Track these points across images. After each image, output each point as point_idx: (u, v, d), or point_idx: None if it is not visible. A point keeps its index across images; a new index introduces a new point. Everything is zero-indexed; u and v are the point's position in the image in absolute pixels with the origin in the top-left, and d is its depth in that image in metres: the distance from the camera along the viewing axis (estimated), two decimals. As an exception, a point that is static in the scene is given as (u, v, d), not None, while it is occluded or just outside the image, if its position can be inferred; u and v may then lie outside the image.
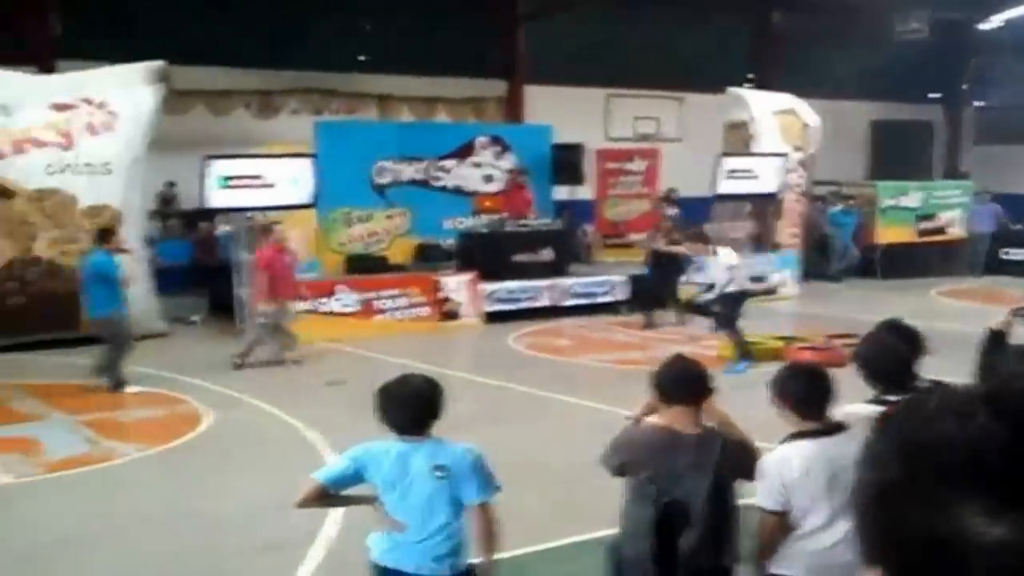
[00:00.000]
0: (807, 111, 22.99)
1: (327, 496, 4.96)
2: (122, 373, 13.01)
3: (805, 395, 4.71)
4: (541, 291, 18.38)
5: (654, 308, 17.25)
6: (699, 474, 4.79)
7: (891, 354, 5.02)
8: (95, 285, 12.90)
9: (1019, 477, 0.96)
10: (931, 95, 33.85)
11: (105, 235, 13.33)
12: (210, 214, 17.89)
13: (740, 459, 4.86)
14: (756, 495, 4.73)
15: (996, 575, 0.95)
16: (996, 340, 6.01)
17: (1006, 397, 1.04)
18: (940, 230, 25.00)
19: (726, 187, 20.40)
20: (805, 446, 4.60)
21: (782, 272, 21.36)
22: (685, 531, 4.80)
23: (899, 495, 1.02)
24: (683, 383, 4.97)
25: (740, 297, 14.23)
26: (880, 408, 4.64)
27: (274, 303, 14.24)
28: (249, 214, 16.30)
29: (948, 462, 1.00)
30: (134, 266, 13.13)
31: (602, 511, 5.28)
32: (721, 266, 14.07)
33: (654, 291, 17.51)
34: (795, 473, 4.57)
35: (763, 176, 20.91)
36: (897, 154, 32.00)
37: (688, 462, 4.80)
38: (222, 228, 18.06)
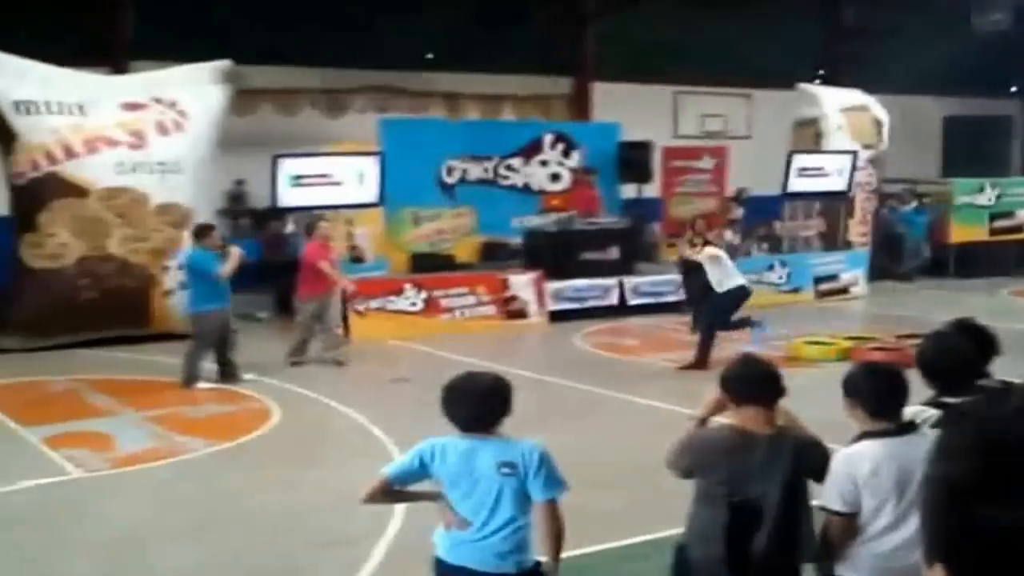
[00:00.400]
0: (878, 108, 22.74)
1: (392, 491, 4.99)
2: (197, 369, 13.19)
3: (876, 394, 4.63)
4: (607, 290, 18.33)
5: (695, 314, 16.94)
6: (771, 475, 4.73)
7: (952, 354, 4.93)
8: (194, 281, 13.15)
9: None
10: (1010, 89, 33.14)
11: (201, 232, 13.57)
12: (280, 212, 18.03)
13: (811, 459, 4.80)
14: (823, 496, 4.67)
15: None
16: None
17: None
18: (1016, 228, 24.63)
19: (796, 185, 20.27)
20: (874, 446, 4.53)
21: (852, 271, 21.16)
22: (756, 532, 4.74)
23: (973, 489, 1.03)
24: (755, 383, 4.92)
25: (736, 295, 14.11)
26: (933, 411, 4.61)
27: (316, 299, 14.32)
28: (315, 212, 16.46)
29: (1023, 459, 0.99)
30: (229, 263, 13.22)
31: (668, 511, 5.27)
32: (705, 261, 14.22)
33: (688, 298, 17.31)
34: (864, 474, 4.51)
35: (833, 174, 20.75)
36: (972, 150, 31.26)
37: (761, 463, 4.75)
38: (290, 227, 18.22)
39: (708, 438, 5.04)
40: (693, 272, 16.37)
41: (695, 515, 4.94)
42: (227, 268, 13.03)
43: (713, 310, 14.14)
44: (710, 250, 14.41)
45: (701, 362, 13.62)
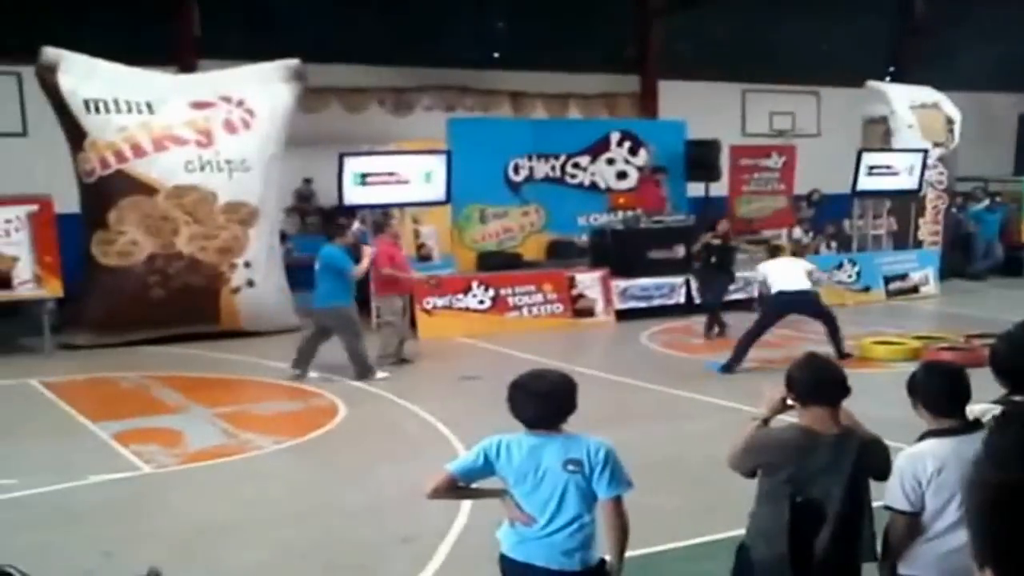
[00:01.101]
0: (949, 105, 22.41)
1: (457, 488, 4.93)
2: (368, 359, 13.36)
3: (940, 393, 4.60)
4: (674, 288, 18.16)
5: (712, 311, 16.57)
6: (835, 474, 4.69)
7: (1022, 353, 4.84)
8: (327, 277, 13.21)
9: None
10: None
11: (335, 231, 13.73)
12: (349, 210, 18.04)
13: (875, 458, 4.77)
14: (886, 495, 4.61)
15: None
16: None
17: None
18: (1091, 227, 24.12)
19: (865, 184, 20.03)
20: (938, 445, 4.47)
21: (923, 270, 20.84)
22: (819, 532, 4.69)
23: (1021, 494, 1.01)
24: (822, 383, 4.85)
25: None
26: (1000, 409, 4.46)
27: (395, 296, 14.29)
28: (383, 211, 16.47)
29: None
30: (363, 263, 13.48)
31: (736, 511, 5.15)
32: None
33: (702, 293, 16.99)
34: (928, 472, 4.44)
35: (903, 172, 20.48)
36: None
37: (826, 462, 4.70)
38: (357, 225, 18.23)
39: (774, 437, 4.97)
40: (710, 274, 16.16)
41: (758, 514, 4.92)
42: (362, 266, 13.36)
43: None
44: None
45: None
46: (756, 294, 16.99)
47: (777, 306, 13.88)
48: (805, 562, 4.71)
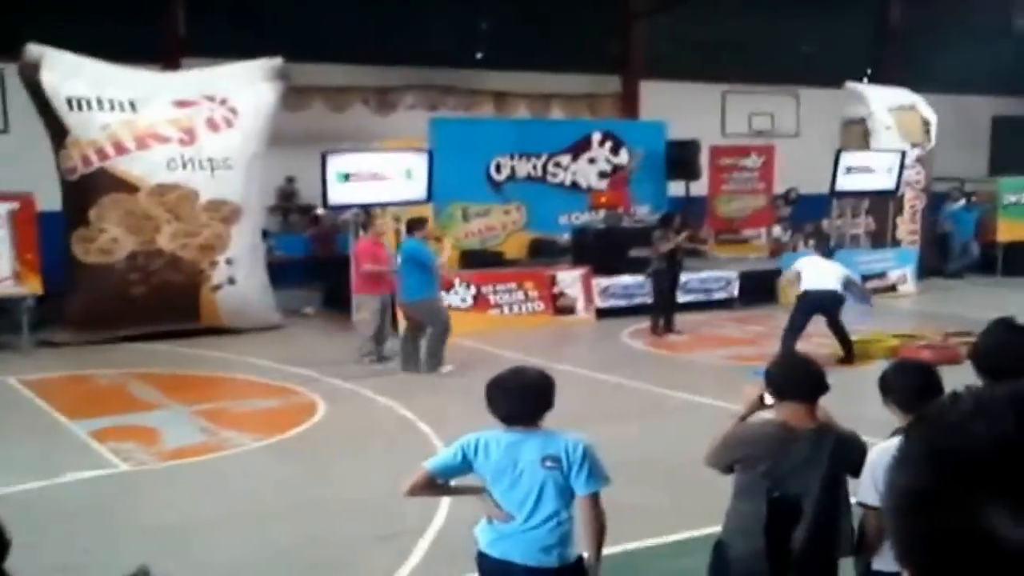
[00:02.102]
0: (926, 107, 22.42)
1: (435, 485, 4.96)
2: (443, 354, 13.40)
3: (910, 390, 4.65)
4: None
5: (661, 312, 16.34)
6: (812, 470, 4.72)
7: (1006, 350, 4.77)
8: (412, 271, 13.27)
9: None
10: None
11: (415, 225, 13.80)
12: (331, 208, 17.91)
13: (851, 454, 4.78)
14: (859, 491, 4.63)
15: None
16: None
17: None
18: (1065, 227, 24.13)
19: (844, 184, 19.98)
20: None
21: (901, 269, 20.80)
22: (796, 527, 4.73)
23: (929, 499, 1.02)
24: (800, 380, 4.87)
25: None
26: None
27: (378, 295, 14.10)
28: (368, 209, 16.32)
29: (976, 467, 0.99)
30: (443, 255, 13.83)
31: (715, 507, 5.12)
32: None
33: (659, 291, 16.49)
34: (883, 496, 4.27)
35: (881, 173, 20.44)
36: (1020, 149, 30.92)
37: (802, 457, 4.73)
38: (343, 222, 18.15)
39: (751, 432, 4.99)
40: (664, 271, 15.95)
41: (735, 510, 4.93)
42: (443, 257, 13.75)
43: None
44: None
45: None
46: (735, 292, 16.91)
47: (804, 305, 13.55)
48: (782, 557, 4.72)
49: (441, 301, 13.76)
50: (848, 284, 13.69)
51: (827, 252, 14.46)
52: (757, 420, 5.08)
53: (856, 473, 4.70)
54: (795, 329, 13.41)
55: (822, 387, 4.86)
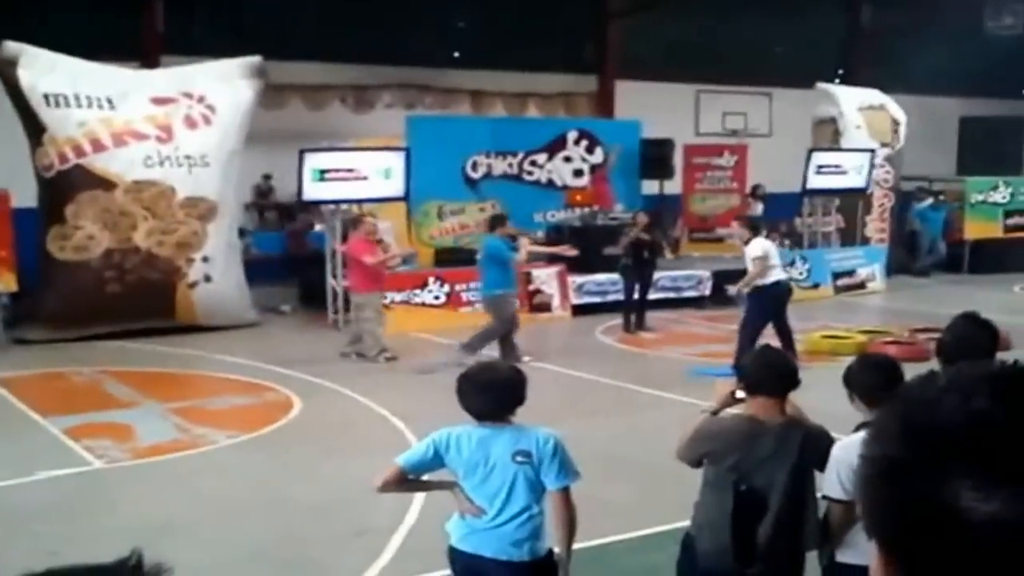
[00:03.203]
0: (895, 107, 22.46)
1: (407, 480, 4.92)
2: (483, 347, 13.28)
3: (874, 385, 4.65)
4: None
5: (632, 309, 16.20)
6: (779, 464, 4.73)
7: (970, 343, 4.92)
8: (491, 266, 13.39)
9: (1014, 456, 0.97)
10: (1023, 91, 32.89)
11: (497, 222, 13.97)
12: (307, 206, 17.81)
13: (818, 449, 4.75)
14: (823, 485, 4.65)
15: (986, 549, 0.96)
16: None
17: (1007, 379, 1.04)
18: (1030, 226, 24.30)
19: (815, 182, 19.98)
20: None
21: (870, 267, 20.83)
22: (762, 520, 4.73)
23: (900, 470, 1.03)
24: (770, 375, 4.88)
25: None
26: None
27: (376, 293, 13.99)
28: (344, 207, 16.24)
29: (947, 440, 1.01)
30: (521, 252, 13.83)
31: (685, 502, 5.11)
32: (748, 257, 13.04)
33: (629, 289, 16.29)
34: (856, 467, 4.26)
35: (851, 172, 20.47)
36: (987, 150, 31.21)
37: (770, 451, 4.74)
38: (319, 226, 18.02)
39: (720, 426, 5.01)
40: (631, 268, 15.87)
41: (703, 504, 4.93)
42: (522, 255, 13.84)
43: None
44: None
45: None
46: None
47: (775, 298, 12.90)
48: (748, 550, 4.73)
49: (515, 298, 13.93)
50: None
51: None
52: (727, 414, 5.10)
53: (823, 467, 4.70)
54: (760, 325, 12.81)
55: (793, 382, 4.87)
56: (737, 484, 4.76)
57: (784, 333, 12.93)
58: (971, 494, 0.97)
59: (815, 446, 4.77)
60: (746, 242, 13.10)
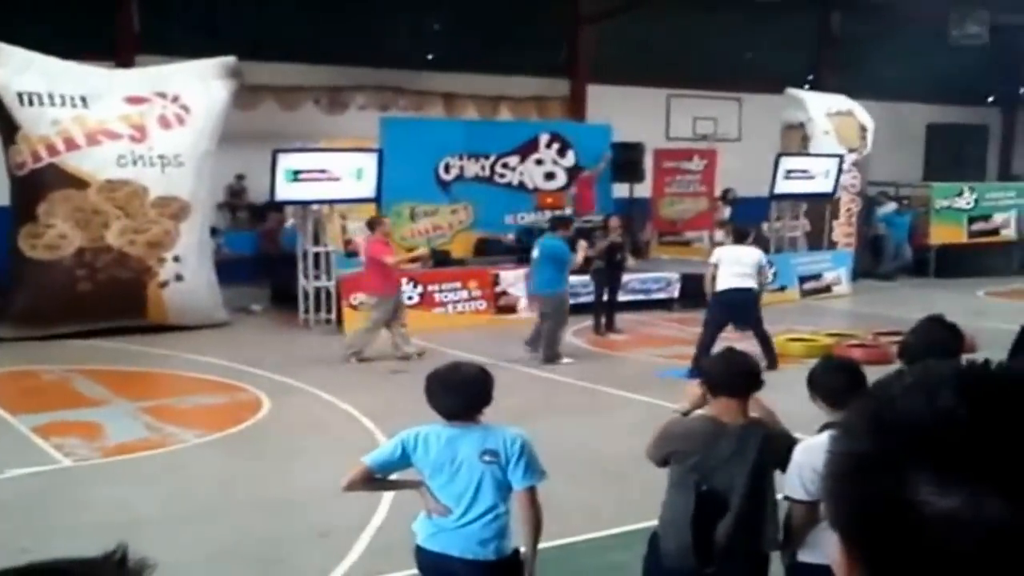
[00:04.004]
0: (863, 113, 22.56)
1: (374, 480, 4.92)
2: (559, 345, 13.82)
3: (837, 386, 4.68)
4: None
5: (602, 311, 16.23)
6: (739, 463, 4.77)
7: (935, 346, 4.96)
8: (548, 266, 13.66)
9: (975, 453, 0.97)
10: (988, 99, 33.21)
11: (559, 224, 14.57)
12: (279, 206, 17.74)
13: (778, 450, 4.79)
14: (785, 485, 4.66)
15: (943, 544, 0.97)
16: None
17: (973, 377, 1.05)
18: (993, 231, 24.51)
19: (783, 187, 20.03)
20: None
21: (836, 271, 20.90)
22: (722, 519, 4.76)
23: (864, 466, 1.04)
24: (732, 376, 4.91)
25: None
26: None
27: (392, 296, 13.93)
28: (315, 207, 16.20)
29: (911, 436, 1.01)
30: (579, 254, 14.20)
31: (653, 502, 5.15)
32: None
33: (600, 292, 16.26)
34: (823, 462, 4.26)
35: (819, 177, 20.52)
36: (952, 156, 31.60)
37: (730, 451, 4.77)
38: (290, 221, 17.92)
39: (683, 426, 5.03)
40: (603, 271, 15.90)
41: (667, 504, 4.97)
42: (579, 257, 14.15)
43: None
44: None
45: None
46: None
47: (723, 304, 12.90)
48: (709, 550, 4.75)
49: (567, 296, 14.19)
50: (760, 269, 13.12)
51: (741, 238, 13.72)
52: (692, 415, 5.12)
53: (784, 469, 4.71)
54: (712, 336, 12.74)
55: (754, 384, 4.91)
56: (699, 484, 4.79)
57: (760, 337, 13.08)
58: (930, 489, 0.98)
59: (775, 447, 4.80)
60: None
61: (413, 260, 15.14)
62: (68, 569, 1.20)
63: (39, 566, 1.18)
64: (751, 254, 13.14)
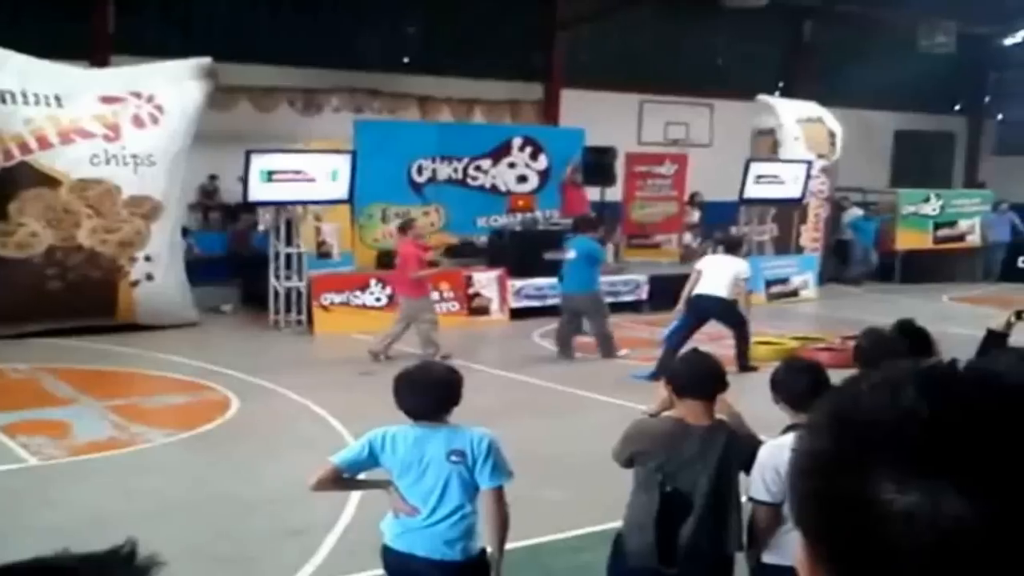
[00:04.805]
0: (832, 120, 22.66)
1: (342, 479, 4.91)
2: (614, 341, 14.09)
3: (799, 389, 4.70)
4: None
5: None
6: (703, 465, 4.77)
7: (886, 348, 5.03)
8: (584, 265, 13.86)
9: (935, 450, 0.98)
10: (954, 107, 33.43)
11: (592, 224, 15.00)
12: (251, 207, 17.66)
13: (742, 452, 4.82)
14: (750, 487, 4.68)
15: (903, 540, 0.97)
16: (996, 342, 5.87)
17: (935, 375, 1.06)
18: (959, 237, 24.64)
19: (752, 192, 20.06)
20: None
21: (803, 275, 20.99)
22: (685, 520, 4.77)
23: (826, 464, 1.04)
24: (697, 378, 4.92)
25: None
26: None
27: (416, 299, 13.91)
28: (288, 208, 16.16)
29: (872, 433, 1.02)
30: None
31: (620, 504, 5.14)
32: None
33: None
34: (787, 464, 4.26)
35: (788, 182, 20.56)
36: (919, 163, 31.83)
37: (694, 453, 4.78)
38: (262, 227, 17.85)
39: (648, 426, 5.04)
40: None
41: (632, 504, 4.97)
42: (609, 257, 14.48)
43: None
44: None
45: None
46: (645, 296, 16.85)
47: (693, 309, 13.11)
48: (672, 550, 4.76)
49: (602, 294, 14.61)
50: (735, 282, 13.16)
51: (732, 248, 14.07)
52: (657, 416, 5.15)
53: (749, 471, 4.73)
54: (682, 331, 12.97)
55: (719, 385, 4.91)
56: (663, 485, 4.79)
57: (739, 338, 13.34)
58: (891, 487, 0.98)
59: (739, 449, 4.82)
60: None
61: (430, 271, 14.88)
62: (75, 567, 1.20)
63: (45, 562, 1.18)
64: (733, 265, 13.25)
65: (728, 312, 13.19)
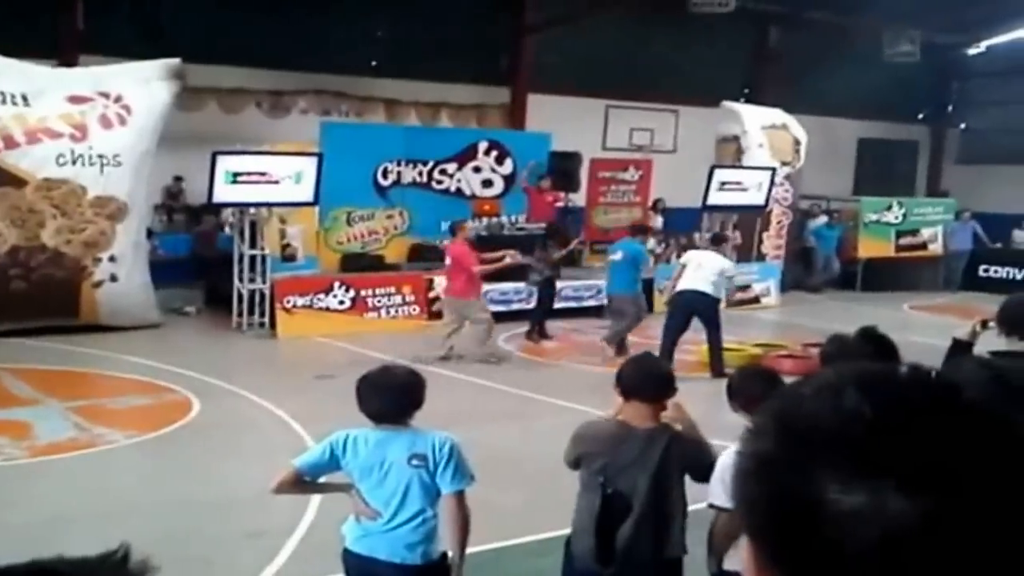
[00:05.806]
0: (797, 127, 22.78)
1: (303, 482, 4.92)
2: (627, 340, 14.25)
3: (755, 395, 4.67)
4: (532, 293, 17.94)
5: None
6: (642, 467, 4.79)
7: (852, 354, 4.96)
8: (629, 268, 14.39)
9: (879, 450, 0.99)
10: (918, 116, 33.70)
11: (639, 230, 15.57)
12: (215, 208, 17.63)
13: (691, 457, 4.85)
14: (709, 493, 4.69)
15: (847, 541, 0.98)
16: (961, 351, 5.84)
17: (878, 376, 1.08)
18: (921, 246, 24.77)
19: (716, 198, 20.14)
20: None
21: (765, 282, 21.13)
22: (624, 523, 4.79)
23: (771, 465, 1.06)
24: (644, 380, 4.93)
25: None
26: None
27: (468, 300, 14.08)
28: (252, 210, 16.13)
29: (815, 435, 1.03)
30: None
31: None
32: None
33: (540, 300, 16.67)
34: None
35: (752, 189, 20.66)
36: (882, 171, 32.04)
37: (634, 455, 4.80)
38: (227, 229, 17.82)
39: (591, 429, 5.10)
40: (550, 280, 16.11)
41: (577, 507, 5.02)
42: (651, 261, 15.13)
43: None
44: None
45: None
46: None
47: (676, 305, 13.46)
48: (609, 552, 4.79)
49: (643, 296, 15.23)
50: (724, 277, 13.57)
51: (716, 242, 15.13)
52: (602, 419, 5.21)
53: (696, 476, 4.81)
54: (671, 327, 13.38)
55: (665, 389, 4.94)
56: (604, 487, 4.82)
57: (712, 343, 13.57)
58: (835, 487, 0.99)
59: (681, 453, 4.85)
60: None
61: (495, 264, 14.92)
62: (68, 572, 1.21)
63: (40, 565, 1.20)
64: (717, 261, 13.58)
65: (709, 309, 13.44)
